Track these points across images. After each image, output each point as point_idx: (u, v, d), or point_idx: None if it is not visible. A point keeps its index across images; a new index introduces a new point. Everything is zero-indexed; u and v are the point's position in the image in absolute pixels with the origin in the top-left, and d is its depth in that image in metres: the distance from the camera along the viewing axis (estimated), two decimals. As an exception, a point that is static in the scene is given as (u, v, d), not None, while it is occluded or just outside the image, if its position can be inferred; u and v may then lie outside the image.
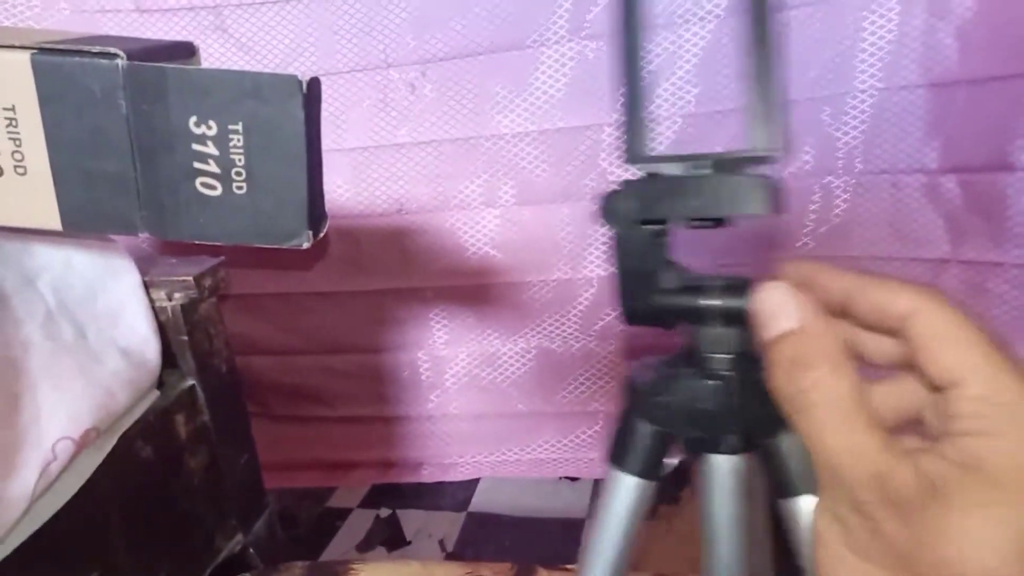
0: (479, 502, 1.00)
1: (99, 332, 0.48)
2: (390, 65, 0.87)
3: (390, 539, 0.95)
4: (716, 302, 0.30)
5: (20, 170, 0.39)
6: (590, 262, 0.92)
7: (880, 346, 0.27)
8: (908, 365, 0.26)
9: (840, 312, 0.27)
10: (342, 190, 0.92)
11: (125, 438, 0.49)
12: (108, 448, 0.47)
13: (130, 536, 0.49)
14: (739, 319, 0.29)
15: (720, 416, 0.30)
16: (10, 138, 0.38)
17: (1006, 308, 0.82)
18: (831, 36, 0.80)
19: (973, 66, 0.76)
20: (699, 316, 0.30)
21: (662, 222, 0.30)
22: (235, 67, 0.87)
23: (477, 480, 1.03)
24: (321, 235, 0.41)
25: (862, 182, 0.84)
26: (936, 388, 0.24)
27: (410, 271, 0.96)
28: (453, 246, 0.94)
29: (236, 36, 0.87)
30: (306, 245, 0.40)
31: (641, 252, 0.31)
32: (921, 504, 0.22)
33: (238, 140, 0.38)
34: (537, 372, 0.99)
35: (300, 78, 0.36)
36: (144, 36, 0.86)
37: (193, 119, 0.37)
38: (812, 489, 0.27)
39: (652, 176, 0.30)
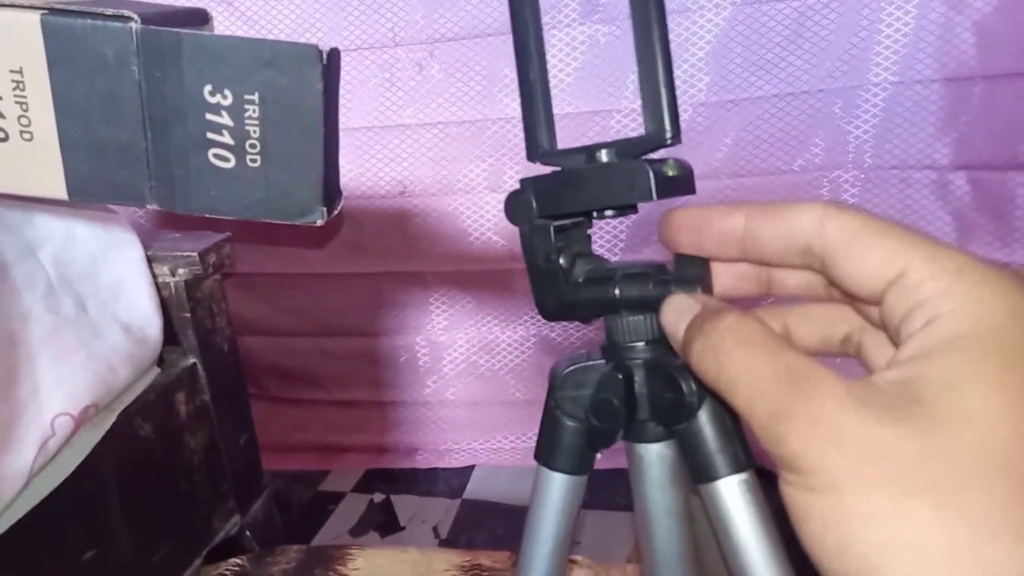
0: (474, 489, 0.99)
1: (100, 306, 0.47)
2: (398, 44, 0.85)
3: (383, 524, 0.94)
4: (620, 291, 0.29)
5: (26, 136, 0.37)
6: (595, 249, 0.91)
7: (795, 278, 0.26)
8: (826, 294, 0.25)
9: (743, 252, 0.26)
10: (345, 170, 0.91)
11: (125, 415, 0.48)
12: (107, 425, 0.46)
13: (128, 515, 0.48)
14: (648, 306, 0.28)
15: (629, 405, 0.30)
16: (17, 102, 0.36)
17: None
18: (847, 28, 0.79)
19: (990, 62, 0.75)
20: (607, 306, 0.30)
21: (561, 216, 0.30)
22: (239, 40, 0.86)
23: (472, 467, 1.03)
24: (336, 212, 0.40)
25: (871, 177, 0.84)
26: (868, 298, 0.22)
27: (411, 255, 0.95)
28: (455, 231, 0.93)
29: (242, 10, 0.85)
30: (320, 222, 0.39)
31: (546, 248, 0.30)
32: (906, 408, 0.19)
33: (253, 111, 0.36)
34: (535, 360, 0.98)
35: (320, 47, 0.35)
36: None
37: (208, 88, 0.36)
38: (730, 470, 0.27)
39: (553, 172, 0.30)
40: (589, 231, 0.32)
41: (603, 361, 0.31)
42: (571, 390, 0.32)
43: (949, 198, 0.81)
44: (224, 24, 0.85)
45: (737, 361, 0.22)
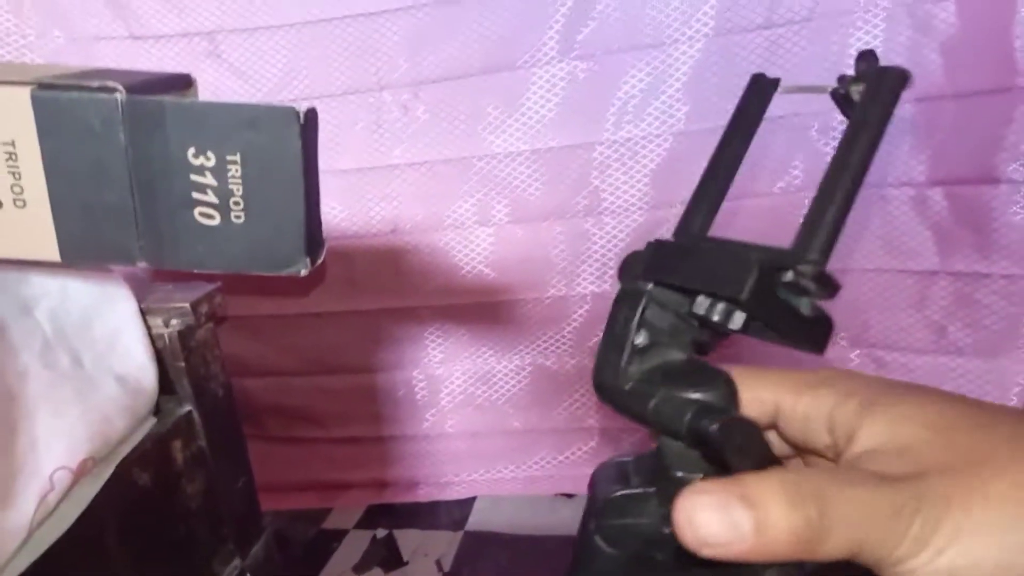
0: (476, 521, 0.99)
1: (96, 359, 0.48)
2: (383, 87, 0.88)
3: (387, 560, 0.95)
4: (656, 409, 0.25)
5: (19, 203, 0.39)
6: (584, 279, 0.93)
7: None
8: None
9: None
10: (336, 211, 0.93)
11: (122, 466, 0.49)
12: (106, 476, 0.47)
13: (129, 563, 0.49)
14: (705, 441, 0.24)
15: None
16: (10, 171, 0.38)
17: (995, 318, 0.83)
18: (818, 53, 0.81)
19: (958, 81, 0.77)
20: (642, 419, 0.26)
21: (661, 284, 0.27)
22: (229, 92, 0.88)
23: (473, 498, 1.03)
24: (319, 262, 0.41)
25: (851, 196, 0.85)
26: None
27: (404, 290, 0.96)
28: (447, 265, 0.94)
29: (230, 61, 0.87)
30: (304, 272, 0.41)
31: (628, 313, 0.27)
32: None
33: (236, 170, 0.38)
34: (532, 389, 1.00)
35: (297, 108, 0.37)
36: (139, 63, 0.87)
37: (192, 150, 0.37)
38: None
39: (678, 241, 0.29)
40: (693, 335, 0.27)
41: (654, 490, 0.27)
42: (617, 518, 0.27)
43: (928, 213, 0.83)
44: (213, 76, 0.88)
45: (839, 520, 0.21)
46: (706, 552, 0.21)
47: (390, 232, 0.94)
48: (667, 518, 0.22)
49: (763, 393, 0.27)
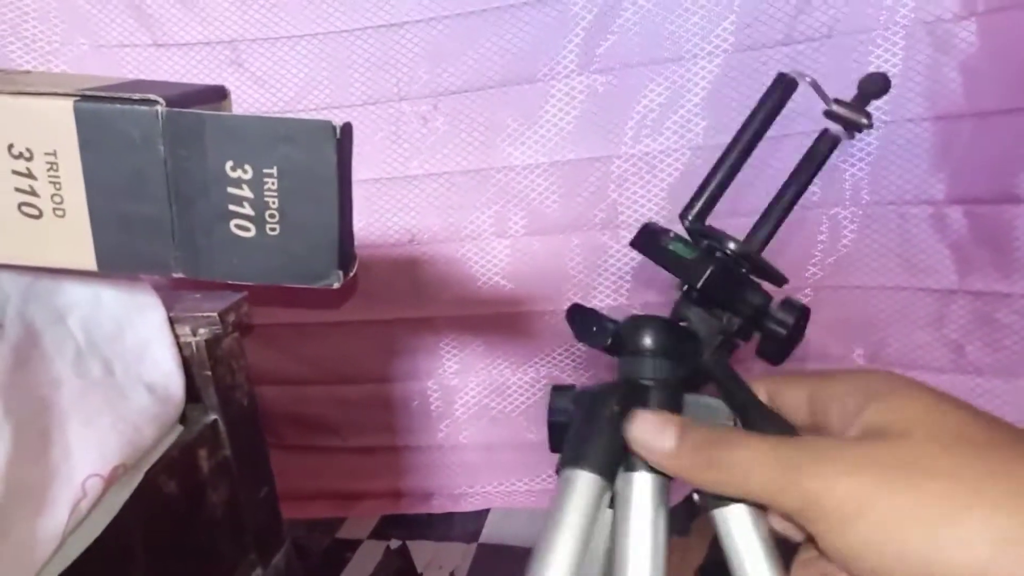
0: (489, 533, 0.99)
1: (126, 368, 0.49)
2: (402, 98, 0.88)
3: (400, 571, 0.95)
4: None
5: (59, 212, 0.39)
6: (600, 292, 0.93)
7: None
8: None
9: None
10: (355, 220, 0.92)
11: (150, 473, 0.49)
12: (135, 484, 0.48)
13: (154, 571, 0.49)
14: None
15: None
16: (51, 181, 0.39)
17: (1016, 339, 0.82)
18: (837, 70, 0.81)
19: (978, 100, 0.77)
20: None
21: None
22: (250, 100, 0.89)
23: (487, 511, 1.03)
24: (351, 275, 0.42)
25: (869, 213, 0.85)
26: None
27: (421, 300, 0.97)
28: (464, 276, 0.95)
29: (251, 70, 0.88)
30: (336, 285, 0.41)
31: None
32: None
33: (272, 183, 0.38)
34: (547, 402, 0.99)
35: (334, 123, 0.37)
36: (162, 70, 0.88)
37: (229, 163, 0.38)
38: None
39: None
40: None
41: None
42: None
43: (947, 232, 0.83)
44: (235, 85, 0.88)
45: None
46: (638, 450, 0.31)
47: (408, 242, 0.94)
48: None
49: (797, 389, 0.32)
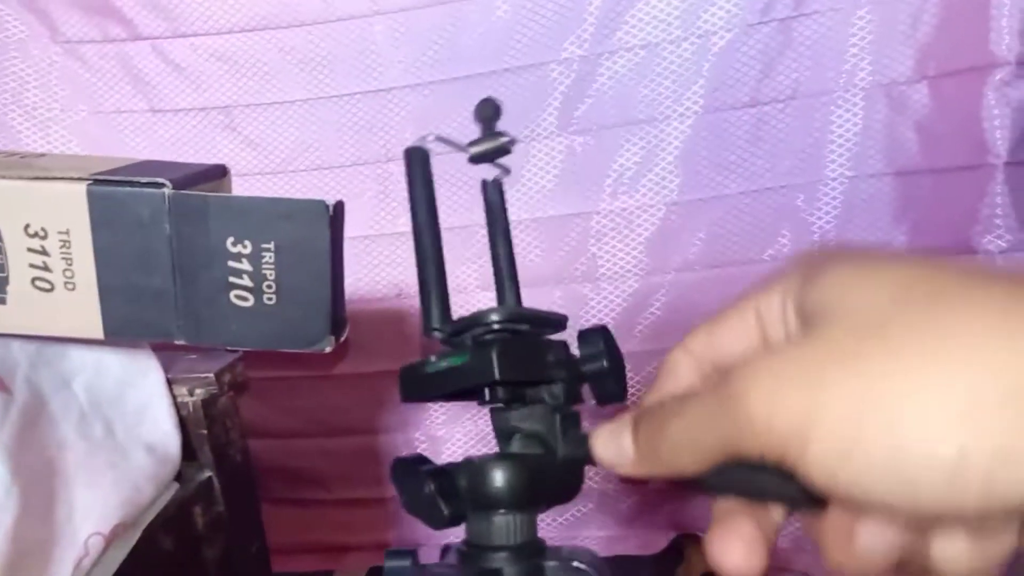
0: (477, 581, 1.00)
1: (127, 429, 0.51)
2: (390, 159, 0.92)
3: (389, 621, 0.95)
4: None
5: (70, 286, 0.42)
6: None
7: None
8: None
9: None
10: (345, 276, 0.96)
11: (148, 531, 0.51)
12: (133, 541, 0.49)
13: (150, 628, 0.51)
14: None
15: None
16: (63, 258, 0.41)
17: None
18: (802, 129, 0.86)
19: (933, 157, 0.82)
20: None
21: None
22: (243, 162, 0.93)
23: (475, 559, 1.04)
24: (343, 339, 0.45)
25: (837, 263, 0.89)
26: None
27: (408, 353, 0.99)
28: (450, 328, 0.97)
29: (245, 134, 0.92)
30: (328, 349, 0.44)
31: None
32: None
33: (270, 257, 0.41)
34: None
35: (327, 202, 0.41)
36: (158, 134, 0.91)
37: (230, 239, 0.41)
38: None
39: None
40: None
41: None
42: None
43: (910, 281, 0.87)
44: (229, 148, 0.92)
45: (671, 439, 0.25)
46: (609, 469, 0.28)
47: (396, 296, 0.97)
48: None
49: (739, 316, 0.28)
